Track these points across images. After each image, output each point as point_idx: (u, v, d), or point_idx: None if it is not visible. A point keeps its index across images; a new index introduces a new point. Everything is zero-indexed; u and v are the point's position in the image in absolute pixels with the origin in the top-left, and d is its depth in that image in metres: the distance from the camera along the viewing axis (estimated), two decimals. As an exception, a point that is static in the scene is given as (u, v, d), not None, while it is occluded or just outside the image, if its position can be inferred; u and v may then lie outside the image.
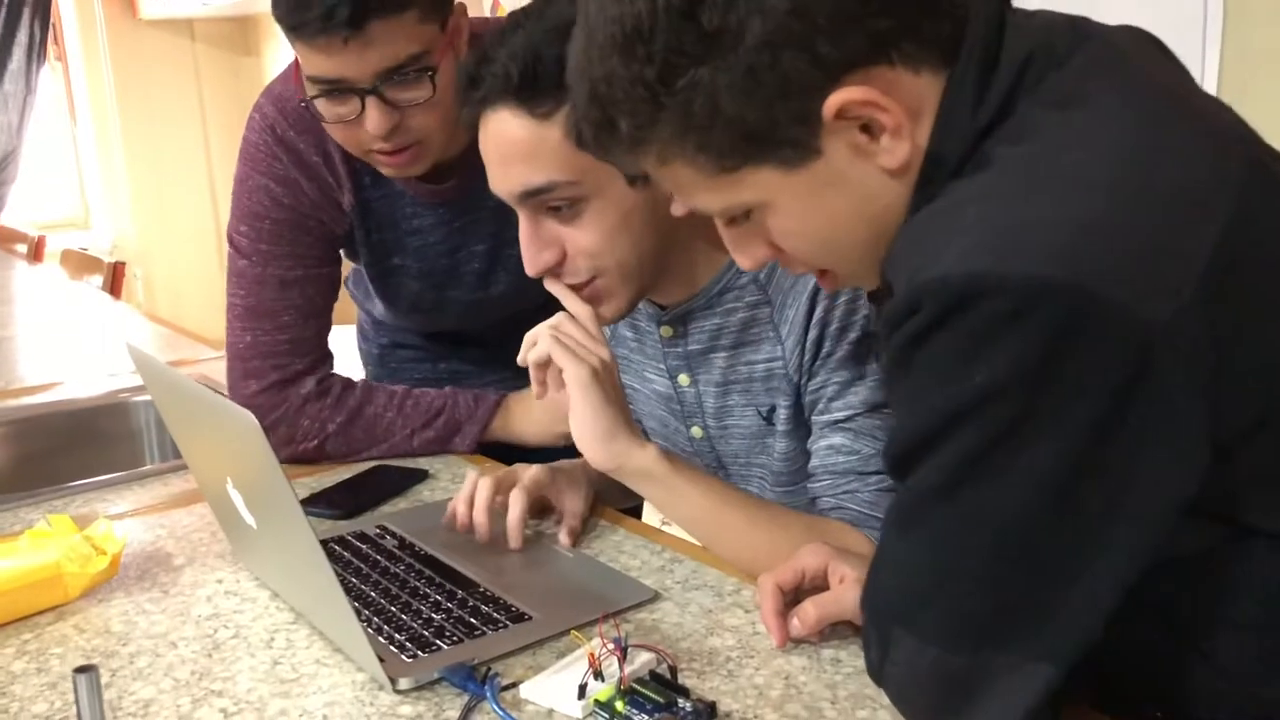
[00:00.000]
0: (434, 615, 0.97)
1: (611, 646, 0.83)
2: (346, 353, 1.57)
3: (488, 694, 0.83)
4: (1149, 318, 0.60)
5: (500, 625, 0.95)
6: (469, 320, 1.52)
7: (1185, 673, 0.75)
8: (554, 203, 1.00)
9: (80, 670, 0.66)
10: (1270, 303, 0.65)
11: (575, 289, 1.04)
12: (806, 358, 1.04)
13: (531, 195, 0.99)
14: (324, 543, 1.13)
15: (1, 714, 0.86)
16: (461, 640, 0.92)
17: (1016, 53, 0.69)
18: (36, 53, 4.78)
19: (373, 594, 1.02)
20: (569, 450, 1.12)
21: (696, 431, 1.18)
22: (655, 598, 1.00)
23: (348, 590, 1.01)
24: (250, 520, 0.96)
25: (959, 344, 0.63)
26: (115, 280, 3.21)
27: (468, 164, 1.30)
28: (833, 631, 0.90)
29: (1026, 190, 0.65)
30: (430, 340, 1.61)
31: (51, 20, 4.82)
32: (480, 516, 1.12)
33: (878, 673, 0.75)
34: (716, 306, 1.09)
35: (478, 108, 0.99)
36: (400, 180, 1.34)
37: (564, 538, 1.13)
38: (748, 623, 0.95)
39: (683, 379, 1.15)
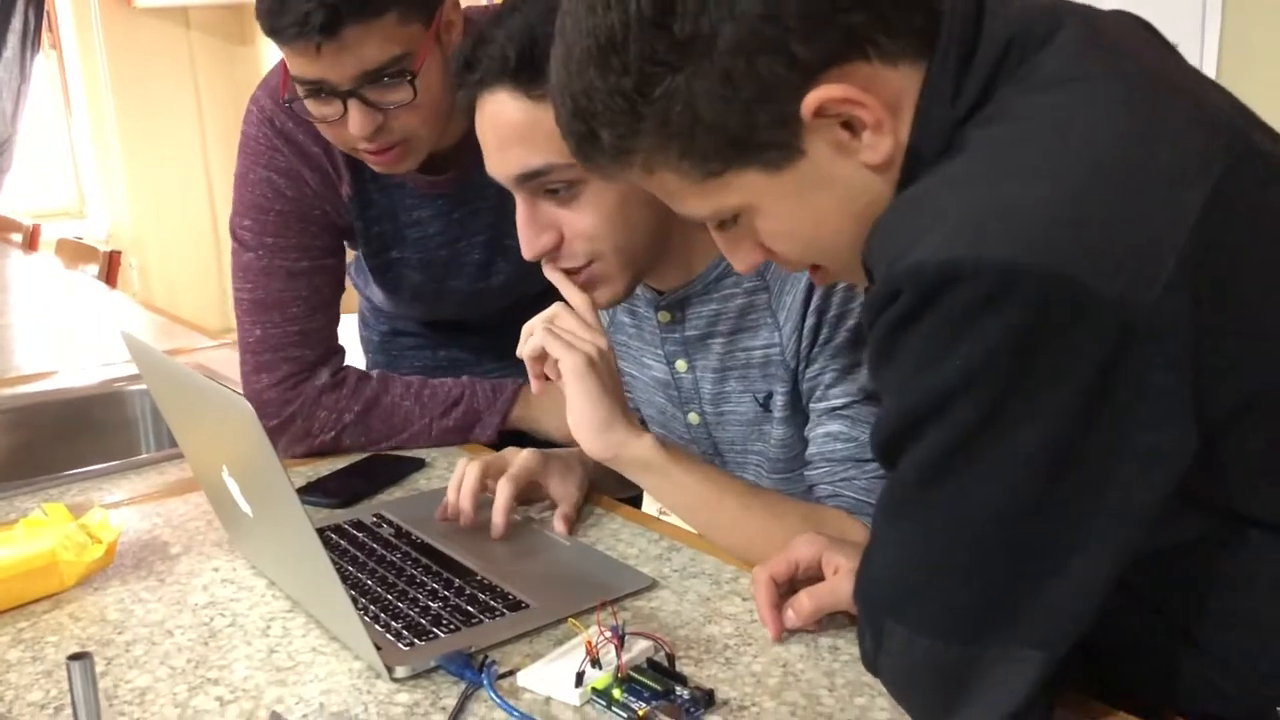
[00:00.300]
0: (431, 603, 0.96)
1: (609, 634, 0.83)
2: (348, 340, 1.56)
3: (485, 682, 0.83)
4: (1125, 302, 0.60)
5: (497, 613, 0.94)
6: (469, 309, 1.52)
7: (1178, 664, 0.75)
8: (551, 185, 0.99)
9: (74, 658, 0.66)
10: (1254, 286, 0.65)
11: (572, 273, 1.04)
12: (804, 344, 1.04)
13: (529, 178, 0.99)
14: (320, 531, 1.13)
15: (-3, 702, 0.86)
16: (458, 628, 0.92)
17: (995, 39, 0.69)
18: (31, 40, 4.76)
19: (369, 582, 1.02)
20: None
21: (693, 418, 1.18)
22: (653, 585, 1.00)
23: (344, 578, 1.01)
24: (246, 509, 0.95)
25: (937, 330, 0.63)
26: (110, 269, 3.20)
27: (465, 155, 1.29)
28: (830, 620, 0.90)
29: (1002, 174, 0.65)
30: (430, 328, 1.60)
31: (46, 7, 4.80)
32: (465, 503, 1.12)
33: (872, 663, 0.75)
34: (714, 292, 1.09)
35: (474, 90, 0.99)
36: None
37: (558, 525, 1.13)
38: (745, 610, 0.95)
39: (680, 365, 1.15)
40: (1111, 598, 0.66)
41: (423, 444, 1.39)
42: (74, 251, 3.42)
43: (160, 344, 2.13)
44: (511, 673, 0.86)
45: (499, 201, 1.37)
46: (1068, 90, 0.67)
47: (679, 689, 0.81)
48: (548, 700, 0.82)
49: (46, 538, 1.03)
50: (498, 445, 1.38)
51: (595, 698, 0.81)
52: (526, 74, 0.95)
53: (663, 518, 1.19)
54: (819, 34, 0.67)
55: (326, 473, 1.32)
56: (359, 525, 1.16)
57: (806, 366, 1.05)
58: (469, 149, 1.12)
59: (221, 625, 0.97)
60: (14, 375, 1.94)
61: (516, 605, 0.96)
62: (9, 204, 4.67)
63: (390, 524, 1.16)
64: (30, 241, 3.79)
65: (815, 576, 0.91)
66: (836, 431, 1.04)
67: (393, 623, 0.93)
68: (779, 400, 1.08)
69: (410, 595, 0.98)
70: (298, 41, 1.12)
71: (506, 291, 1.46)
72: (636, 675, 0.82)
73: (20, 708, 0.85)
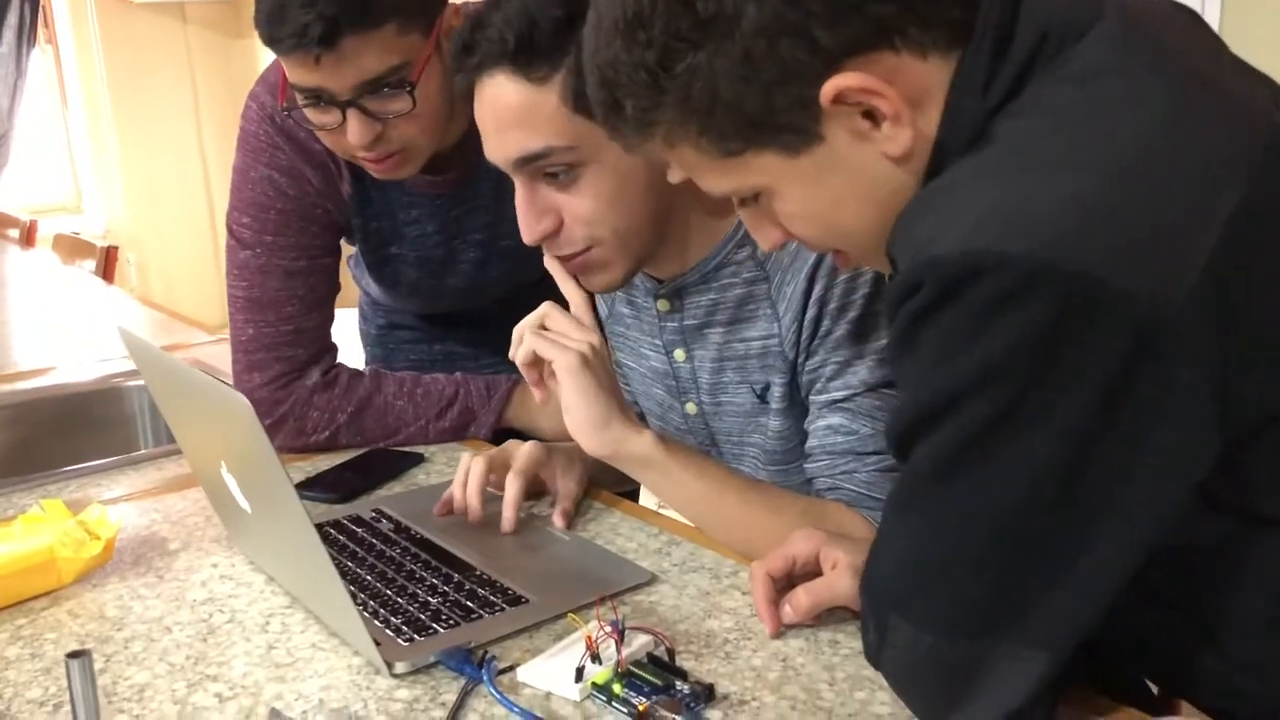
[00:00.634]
0: (430, 599, 0.96)
1: (609, 629, 0.83)
2: (348, 334, 1.56)
3: (484, 677, 0.83)
4: (1150, 302, 0.59)
5: (497, 608, 0.94)
6: (466, 304, 1.51)
7: (1196, 661, 0.74)
8: (551, 169, 0.99)
9: (73, 655, 0.65)
10: None
11: (571, 258, 1.03)
12: (804, 336, 1.04)
13: (527, 161, 0.98)
14: (319, 526, 1.13)
15: (-4, 700, 0.86)
16: (458, 624, 0.92)
17: (1031, 29, 0.68)
18: (27, 35, 4.75)
19: (369, 578, 1.02)
20: None
21: (691, 408, 1.17)
22: (652, 580, 1.00)
23: (343, 574, 1.01)
24: (245, 504, 0.95)
25: (959, 324, 0.62)
26: (108, 265, 3.19)
27: (466, 156, 1.29)
28: (830, 614, 0.90)
29: (1029, 167, 0.64)
30: (427, 321, 1.60)
31: (42, 3, 4.78)
32: (473, 499, 1.12)
33: (875, 657, 0.74)
34: (714, 281, 1.09)
35: (473, 74, 0.98)
36: None
37: (558, 520, 1.13)
38: (745, 604, 0.95)
39: (678, 354, 1.15)
40: (1131, 595, 0.66)
41: (418, 443, 1.39)
42: (71, 247, 3.41)
43: (158, 339, 2.13)
44: (511, 668, 0.85)
45: (496, 202, 1.36)
46: (1101, 85, 0.66)
47: (679, 684, 0.80)
48: (548, 695, 0.82)
49: (45, 534, 1.03)
50: (496, 439, 1.38)
51: (595, 693, 0.81)
52: (525, 56, 0.95)
53: (662, 511, 1.19)
54: (843, 21, 0.67)
55: (325, 468, 1.32)
56: (358, 520, 1.15)
57: (806, 359, 1.05)
58: (469, 150, 1.12)
59: (220, 621, 0.97)
60: (12, 371, 1.94)
61: (516, 600, 0.96)
62: (6, 199, 4.65)
63: (389, 519, 1.15)
64: (27, 237, 3.78)
65: (813, 572, 0.91)
66: (837, 424, 1.03)
67: (392, 618, 0.93)
68: (776, 392, 1.08)
69: (410, 591, 0.98)
70: (296, 52, 1.11)
71: (502, 285, 1.45)
72: (636, 670, 0.82)
73: (19, 705, 0.85)
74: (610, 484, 1.23)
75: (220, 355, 1.88)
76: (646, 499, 1.34)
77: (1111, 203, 0.61)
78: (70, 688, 0.66)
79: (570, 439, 1.11)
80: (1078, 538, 0.64)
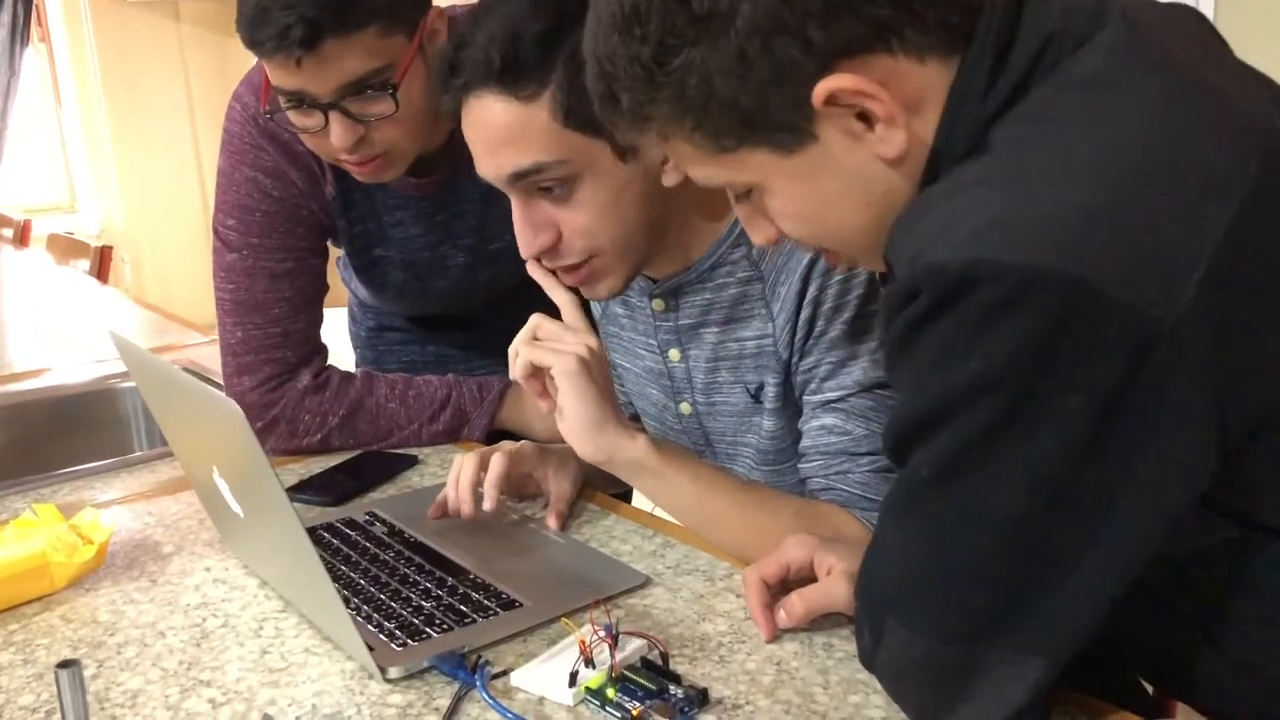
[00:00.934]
0: (424, 603, 0.96)
1: (602, 633, 0.82)
2: (338, 335, 1.56)
3: (478, 682, 0.83)
4: (1148, 313, 0.59)
5: (491, 612, 0.94)
6: (454, 306, 1.51)
7: (1195, 663, 0.74)
8: (545, 184, 0.98)
9: (62, 665, 0.65)
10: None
11: (572, 269, 1.03)
12: (799, 336, 1.04)
13: (520, 177, 0.98)
14: (312, 530, 1.13)
15: (-12, 706, 0.86)
16: (452, 628, 0.92)
17: (1034, 36, 0.67)
18: (20, 34, 4.73)
19: (362, 581, 1.01)
20: None
21: (685, 408, 1.17)
22: (647, 583, 1.00)
23: (336, 578, 1.01)
24: (237, 509, 0.95)
25: (956, 331, 0.62)
26: (102, 265, 3.18)
27: (450, 158, 1.29)
28: (825, 617, 0.90)
29: (1027, 176, 0.64)
30: (416, 323, 1.59)
31: (35, 1, 4.77)
32: (464, 494, 1.11)
33: (870, 660, 0.74)
34: (709, 281, 1.08)
35: (459, 94, 0.97)
36: None
37: (551, 522, 1.13)
38: (739, 608, 0.95)
39: (673, 354, 1.15)
40: (1131, 598, 0.66)
41: (411, 446, 1.39)
42: (65, 247, 3.40)
43: (151, 341, 2.13)
44: (505, 673, 0.85)
45: (484, 207, 1.36)
46: (1100, 94, 0.65)
47: (673, 688, 0.80)
48: (541, 700, 0.82)
49: (37, 539, 1.03)
50: (489, 441, 1.37)
51: (589, 697, 0.81)
52: (512, 75, 0.94)
53: (655, 512, 1.19)
54: (838, 22, 0.66)
55: (318, 470, 1.32)
56: (351, 524, 1.15)
57: (801, 359, 1.05)
58: (454, 153, 1.11)
59: (214, 626, 0.96)
60: (6, 373, 1.94)
61: (510, 604, 0.95)
62: None
63: (383, 522, 1.15)
64: (21, 237, 3.77)
65: (808, 577, 0.90)
66: (831, 424, 1.03)
67: (385, 623, 0.93)
68: (770, 392, 1.08)
69: (403, 595, 0.98)
70: (278, 55, 1.11)
71: (491, 286, 1.45)
72: (630, 674, 0.82)
73: (11, 711, 0.85)
74: (604, 486, 1.22)
75: (214, 356, 1.86)
76: (640, 501, 1.33)
77: (1109, 212, 0.61)
78: (60, 699, 0.65)
79: (564, 441, 1.11)
80: (1076, 545, 0.64)
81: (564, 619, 0.91)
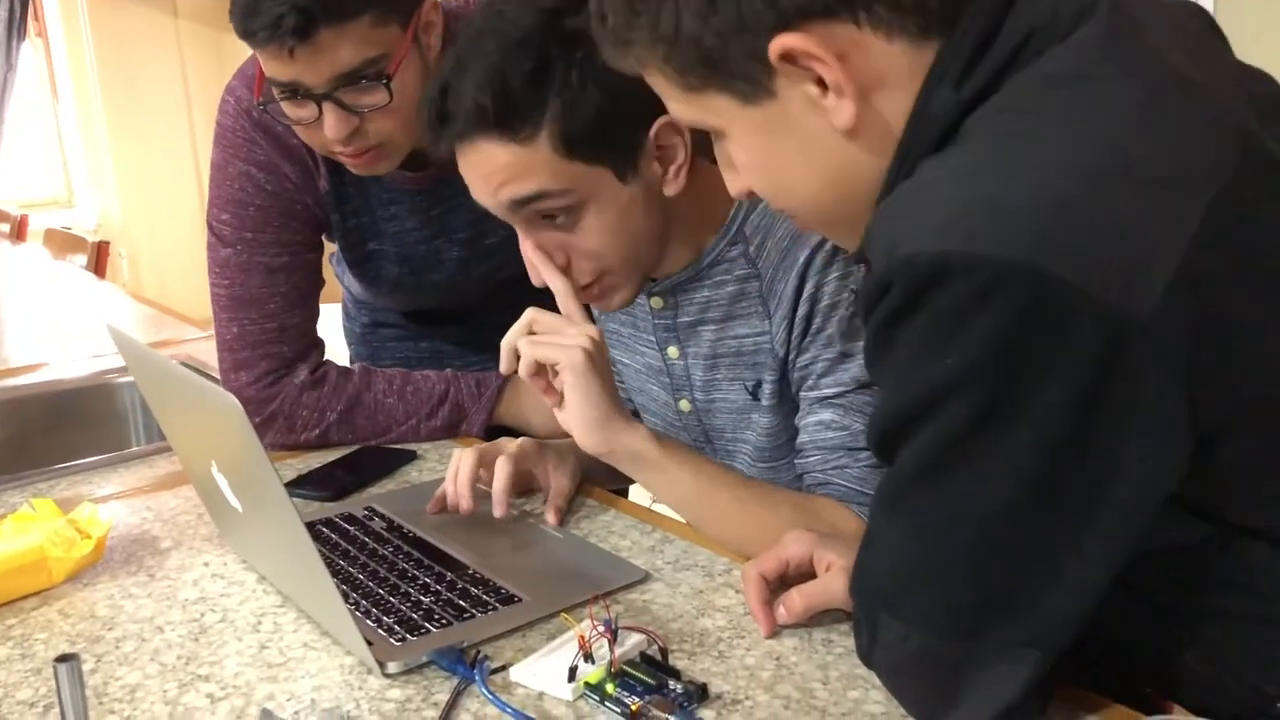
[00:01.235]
0: (423, 598, 0.96)
1: (602, 628, 0.82)
2: (332, 331, 1.56)
3: (477, 678, 0.83)
4: (1120, 309, 0.59)
5: (490, 608, 0.94)
6: (449, 299, 1.50)
7: (1179, 660, 0.74)
8: (548, 212, 0.99)
9: (61, 659, 0.65)
10: (1255, 297, 0.64)
11: (583, 288, 1.03)
12: (795, 333, 1.04)
13: (522, 204, 0.99)
14: (311, 525, 1.13)
15: (-14, 701, 0.86)
16: (451, 623, 0.91)
17: (1018, 28, 0.67)
18: (16, 28, 4.73)
19: (361, 576, 1.01)
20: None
21: (685, 405, 1.17)
22: (646, 578, 1.00)
23: (335, 573, 1.01)
24: (236, 504, 0.95)
25: (931, 325, 0.63)
26: (99, 260, 3.18)
27: None
28: (824, 613, 0.90)
29: (1001, 169, 0.64)
30: (411, 319, 1.59)
31: (31, -4, 4.77)
32: (463, 490, 1.11)
33: (867, 656, 0.74)
34: (707, 279, 1.08)
35: (453, 142, 0.98)
36: None
37: (550, 517, 1.13)
38: (739, 603, 0.95)
39: (672, 351, 1.15)
40: (1113, 595, 0.66)
41: (410, 441, 1.39)
42: (62, 242, 3.40)
43: (149, 335, 2.13)
44: (504, 668, 0.85)
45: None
46: (1076, 88, 0.65)
47: (672, 683, 0.80)
48: (540, 695, 0.82)
49: (35, 533, 1.03)
50: (488, 436, 1.37)
51: (588, 692, 0.81)
52: (507, 120, 0.95)
53: (654, 508, 1.19)
54: None
55: (317, 465, 1.32)
56: (350, 519, 1.15)
57: (798, 355, 1.05)
58: None
59: (212, 621, 0.96)
60: (3, 368, 1.93)
61: (509, 599, 0.95)
62: (-4, 194, 4.64)
63: (382, 517, 1.15)
64: (18, 232, 3.77)
65: (807, 573, 0.90)
66: (829, 420, 1.03)
67: (384, 617, 0.92)
68: (767, 389, 1.08)
69: (402, 590, 0.98)
70: (270, 44, 1.10)
71: (486, 280, 1.45)
72: (629, 669, 0.82)
73: (9, 706, 0.85)
74: (603, 481, 1.22)
75: (212, 351, 1.87)
76: (638, 496, 1.33)
77: (1082, 206, 0.61)
78: (59, 693, 0.65)
79: (562, 435, 1.11)
80: (1062, 535, 0.64)
81: (563, 614, 0.91)
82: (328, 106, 1.15)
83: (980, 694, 0.69)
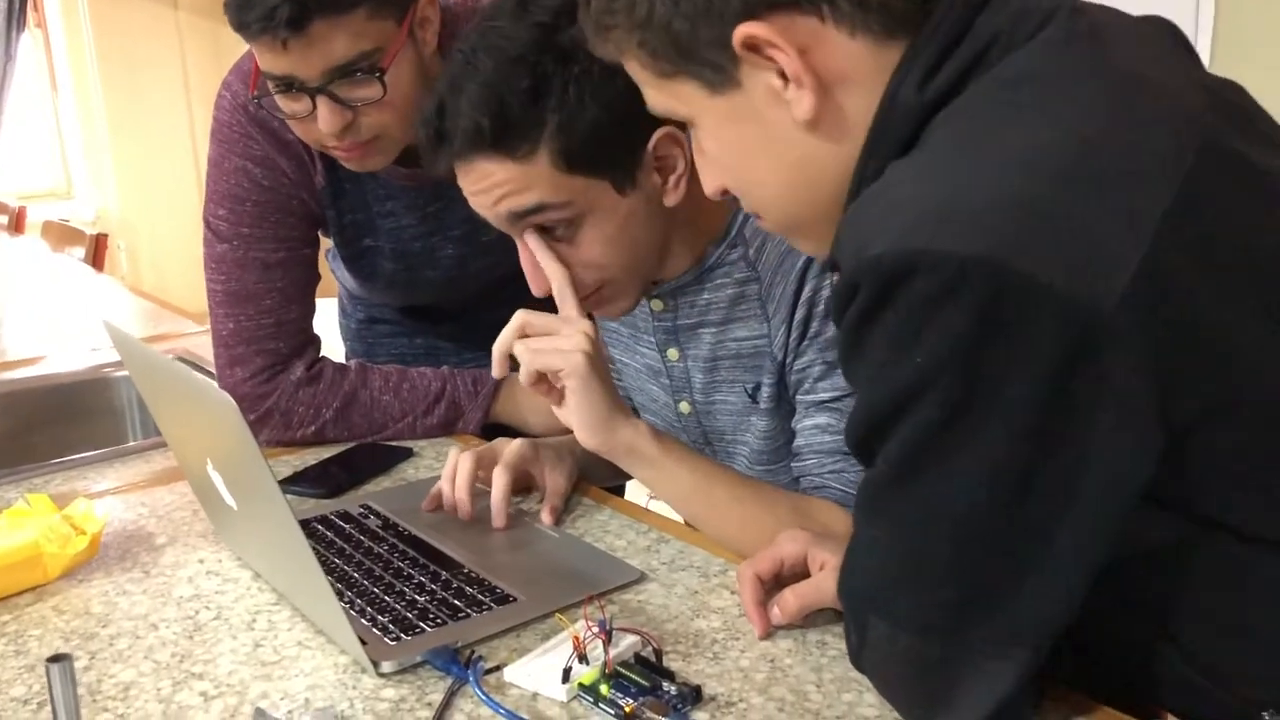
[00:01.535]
0: (418, 597, 0.96)
1: (596, 629, 0.82)
2: (328, 327, 1.55)
3: (471, 678, 0.83)
4: (1085, 302, 0.60)
5: (484, 607, 0.94)
6: (445, 296, 1.50)
7: (1160, 663, 0.74)
8: (548, 224, 0.99)
9: (53, 660, 0.65)
10: (1218, 292, 0.64)
11: (584, 297, 1.03)
12: (793, 337, 1.04)
13: (522, 216, 0.99)
14: (306, 522, 1.13)
15: (-21, 698, 0.86)
16: (445, 623, 0.91)
17: (982, 32, 0.68)
18: (16, 19, 4.71)
19: (356, 575, 1.01)
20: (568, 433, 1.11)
21: (684, 407, 1.17)
22: (641, 578, 1.00)
23: (330, 571, 1.00)
24: (231, 501, 0.95)
25: (899, 324, 0.63)
26: (98, 253, 3.18)
27: None
28: (818, 615, 0.90)
29: (964, 167, 0.64)
30: (406, 315, 1.59)
31: (31, -14, 4.75)
32: (461, 494, 1.11)
33: (858, 659, 0.75)
34: (707, 282, 1.08)
35: (452, 161, 0.98)
36: None
37: (546, 516, 1.13)
38: (733, 604, 0.95)
39: (672, 353, 1.14)
40: (1093, 597, 0.66)
41: (406, 438, 1.39)
42: (61, 234, 3.40)
43: (147, 330, 2.12)
44: (498, 668, 0.85)
45: None
46: (1036, 88, 0.66)
47: (666, 685, 0.80)
48: (534, 696, 0.82)
49: (30, 529, 1.03)
50: (486, 434, 1.37)
51: (582, 693, 0.81)
52: (505, 139, 0.95)
53: (651, 508, 1.19)
54: None
55: (312, 462, 1.31)
56: (346, 516, 1.15)
57: (795, 359, 1.04)
58: None
59: (207, 619, 0.96)
60: (0, 361, 1.93)
61: (504, 599, 0.95)
62: (-5, 185, 4.64)
63: (378, 515, 1.15)
64: (16, 224, 3.77)
65: (801, 573, 0.90)
66: (825, 424, 1.03)
67: (379, 616, 0.92)
68: (765, 392, 1.08)
69: (397, 589, 0.98)
70: (264, 36, 1.10)
71: (482, 277, 1.44)
72: (624, 671, 0.82)
73: (3, 703, 0.84)
74: (599, 480, 1.22)
75: (209, 346, 1.87)
76: (633, 495, 1.33)
77: (1044, 203, 0.61)
78: (51, 693, 0.65)
79: (560, 432, 1.11)
80: (1040, 530, 0.64)
81: (558, 614, 0.90)
82: (321, 100, 1.15)
83: (970, 694, 0.69)
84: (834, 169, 0.73)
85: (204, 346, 1.89)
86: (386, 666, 0.85)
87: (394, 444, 1.37)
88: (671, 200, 1.00)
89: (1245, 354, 0.65)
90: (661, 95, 0.77)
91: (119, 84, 4.95)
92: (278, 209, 1.32)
